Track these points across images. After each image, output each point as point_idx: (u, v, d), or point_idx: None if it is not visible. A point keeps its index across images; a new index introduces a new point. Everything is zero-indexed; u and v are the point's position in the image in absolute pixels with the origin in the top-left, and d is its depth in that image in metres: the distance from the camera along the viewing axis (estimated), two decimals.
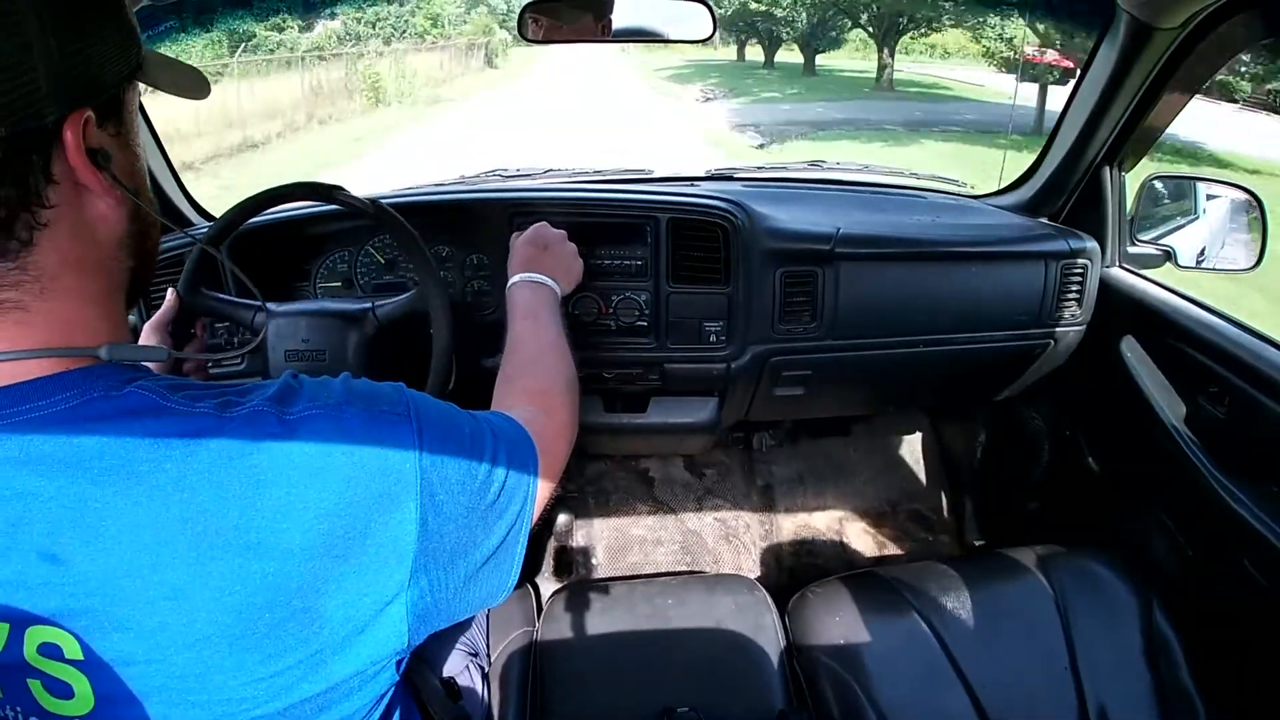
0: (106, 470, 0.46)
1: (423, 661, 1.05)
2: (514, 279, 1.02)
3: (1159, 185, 1.48)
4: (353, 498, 0.51)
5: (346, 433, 0.52)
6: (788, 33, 23.08)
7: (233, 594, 0.47)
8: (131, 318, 1.33)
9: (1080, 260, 1.42)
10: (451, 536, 0.56)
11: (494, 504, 0.60)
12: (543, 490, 0.67)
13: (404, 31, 25.37)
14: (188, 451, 0.47)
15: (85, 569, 0.45)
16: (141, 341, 1.00)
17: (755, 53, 26.22)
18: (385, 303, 1.08)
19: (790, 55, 24.32)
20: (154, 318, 1.03)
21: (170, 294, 1.04)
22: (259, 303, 1.06)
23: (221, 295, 1.09)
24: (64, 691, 0.47)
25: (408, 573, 0.53)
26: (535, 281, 1.01)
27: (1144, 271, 1.47)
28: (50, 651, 0.46)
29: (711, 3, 1.18)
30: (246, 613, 0.48)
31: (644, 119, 13.85)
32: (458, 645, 1.13)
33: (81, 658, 0.46)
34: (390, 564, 0.52)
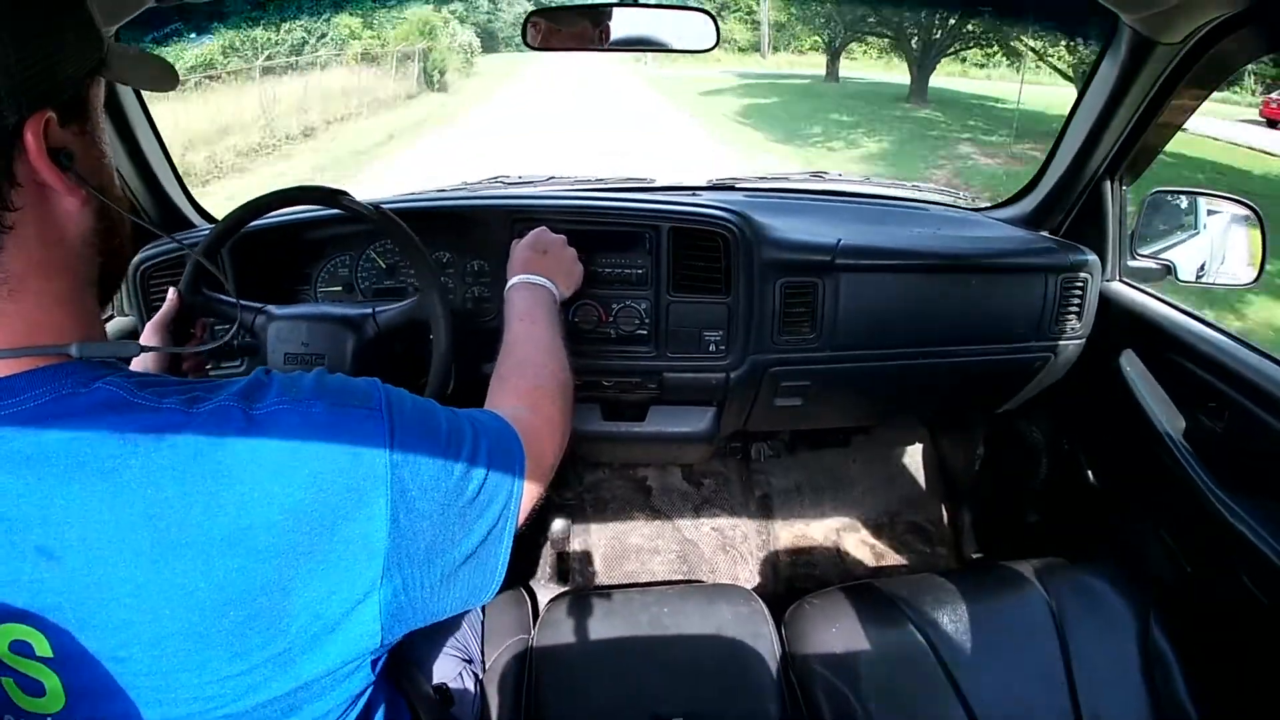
0: (72, 467, 0.46)
1: (415, 666, 1.04)
2: (512, 281, 1.02)
3: (1160, 199, 1.48)
4: (319, 493, 0.50)
5: (313, 428, 0.52)
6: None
7: (196, 591, 0.47)
8: (132, 319, 1.34)
9: (1081, 274, 1.42)
10: (426, 534, 0.55)
11: (473, 501, 0.60)
12: (529, 488, 0.67)
13: (323, 36, 16.94)
14: (153, 447, 0.47)
15: (53, 566, 0.45)
16: (143, 341, 1.00)
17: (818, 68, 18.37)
18: (386, 309, 1.08)
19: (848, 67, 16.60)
20: (155, 318, 1.03)
21: (171, 293, 1.05)
22: (259, 305, 1.07)
23: (222, 296, 1.09)
24: (36, 689, 0.47)
25: (379, 570, 0.53)
26: (533, 284, 1.01)
27: (1144, 286, 1.47)
28: (22, 649, 0.46)
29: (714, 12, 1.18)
30: (211, 610, 0.47)
31: None
32: (452, 651, 1.12)
33: (51, 655, 0.46)
34: (360, 561, 0.52)
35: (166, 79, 0.68)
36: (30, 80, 0.48)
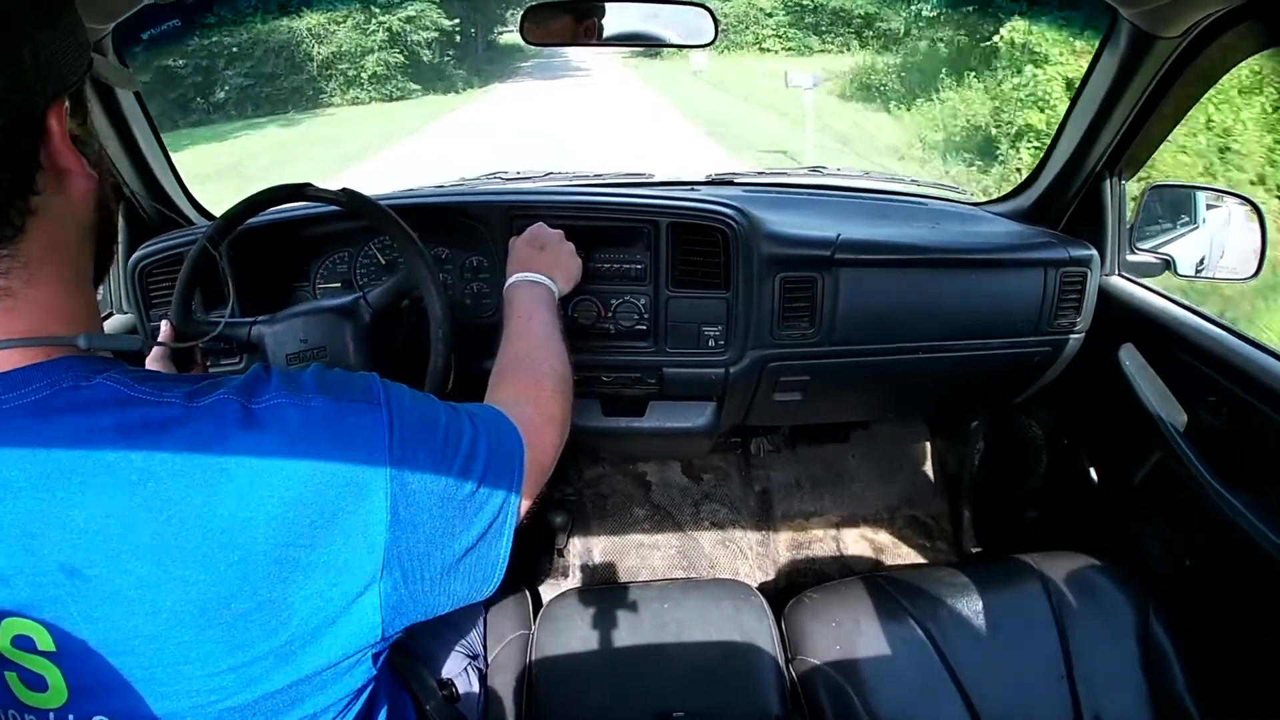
0: (74, 461, 0.46)
1: (420, 662, 1.05)
2: (511, 278, 1.02)
3: (1159, 194, 1.48)
4: (319, 486, 0.51)
5: (312, 421, 0.52)
6: None
7: (197, 584, 0.47)
8: (131, 316, 1.34)
9: (1080, 268, 1.42)
10: (426, 527, 0.56)
11: (473, 495, 0.60)
12: (529, 483, 0.67)
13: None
14: (154, 442, 0.48)
15: (54, 559, 0.46)
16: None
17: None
18: (375, 288, 1.09)
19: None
20: (153, 351, 1.03)
21: (164, 325, 1.06)
22: (250, 319, 1.07)
23: (213, 319, 1.10)
24: (38, 684, 0.47)
25: (379, 563, 0.53)
26: (532, 281, 1.02)
27: (1143, 280, 1.47)
28: (24, 644, 0.46)
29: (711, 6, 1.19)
30: (212, 603, 0.48)
31: None
32: (456, 647, 1.13)
33: (54, 649, 0.46)
34: (360, 554, 0.52)
35: (129, 80, 0.69)
36: (51, 69, 0.49)
